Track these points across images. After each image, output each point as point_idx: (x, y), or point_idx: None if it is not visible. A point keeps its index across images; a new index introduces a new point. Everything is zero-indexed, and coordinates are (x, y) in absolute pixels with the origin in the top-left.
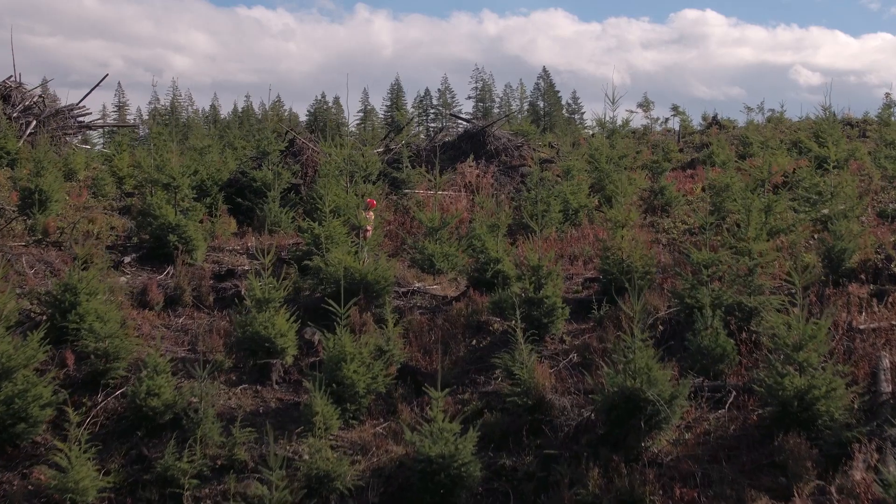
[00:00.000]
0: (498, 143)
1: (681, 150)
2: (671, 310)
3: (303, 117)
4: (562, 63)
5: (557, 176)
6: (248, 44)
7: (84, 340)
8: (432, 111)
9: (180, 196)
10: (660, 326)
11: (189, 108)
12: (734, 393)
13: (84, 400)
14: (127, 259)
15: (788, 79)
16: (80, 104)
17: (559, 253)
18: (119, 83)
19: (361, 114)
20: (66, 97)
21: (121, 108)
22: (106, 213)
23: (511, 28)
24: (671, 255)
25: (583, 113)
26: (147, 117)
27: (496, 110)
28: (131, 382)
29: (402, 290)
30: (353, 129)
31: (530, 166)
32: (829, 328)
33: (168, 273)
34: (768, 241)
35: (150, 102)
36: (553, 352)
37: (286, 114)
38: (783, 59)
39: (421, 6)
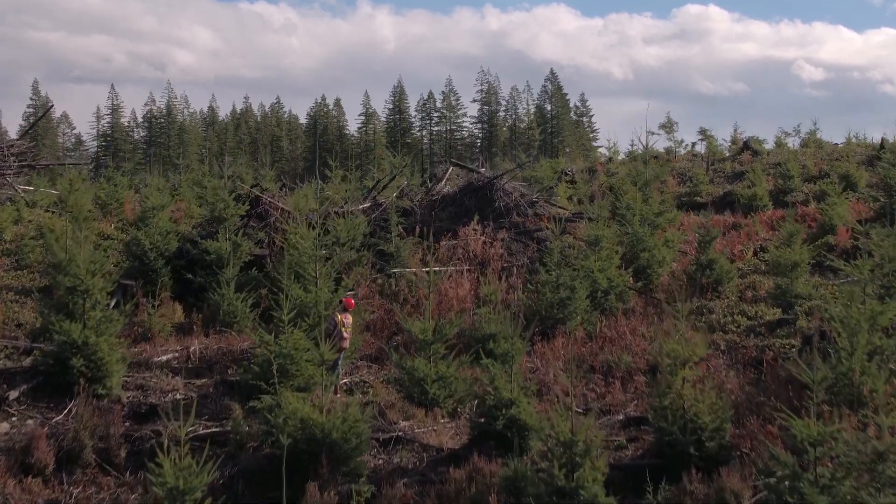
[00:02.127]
0: (508, 199)
1: (711, 181)
2: (759, 495)
3: (303, 118)
4: (564, 58)
5: (581, 241)
6: (251, 39)
7: None
8: (436, 114)
9: (90, 303)
10: None
11: (185, 110)
12: None
13: None
14: (14, 394)
15: (791, 74)
16: (21, 140)
17: (589, 364)
18: (112, 85)
19: (363, 117)
20: (66, 93)
21: (114, 110)
22: (17, 299)
23: (513, 23)
24: (734, 368)
25: (591, 116)
26: (142, 120)
27: (502, 114)
28: None
29: (384, 435)
30: (355, 132)
31: (547, 227)
32: None
33: (70, 412)
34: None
35: (145, 104)
36: None
37: (286, 116)
38: (787, 54)
39: (423, 1)
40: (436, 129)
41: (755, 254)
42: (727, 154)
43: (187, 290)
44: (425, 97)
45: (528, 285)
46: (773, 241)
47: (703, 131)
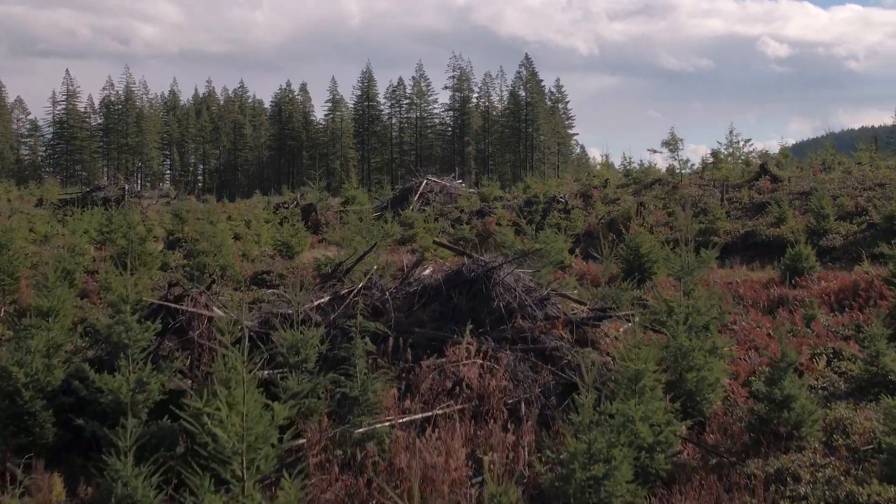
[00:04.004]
0: (510, 297)
1: (727, 214)
2: None
3: (267, 102)
4: (529, 34)
5: (607, 355)
6: (216, 13)
7: None
8: (405, 101)
9: None
10: None
11: (144, 96)
12: None
13: None
14: None
15: (756, 50)
16: None
17: None
18: (67, 70)
19: (329, 104)
20: (33, 66)
21: (70, 96)
22: None
23: None
24: None
25: (567, 102)
26: (99, 107)
27: (475, 99)
28: None
29: None
30: (322, 119)
31: (563, 336)
32: None
33: None
34: None
35: (103, 88)
36: None
37: (250, 100)
38: (753, 30)
39: None
40: (406, 115)
41: (828, 362)
42: (730, 161)
43: (77, 440)
44: (395, 83)
45: (548, 451)
46: (841, 332)
47: (714, 154)
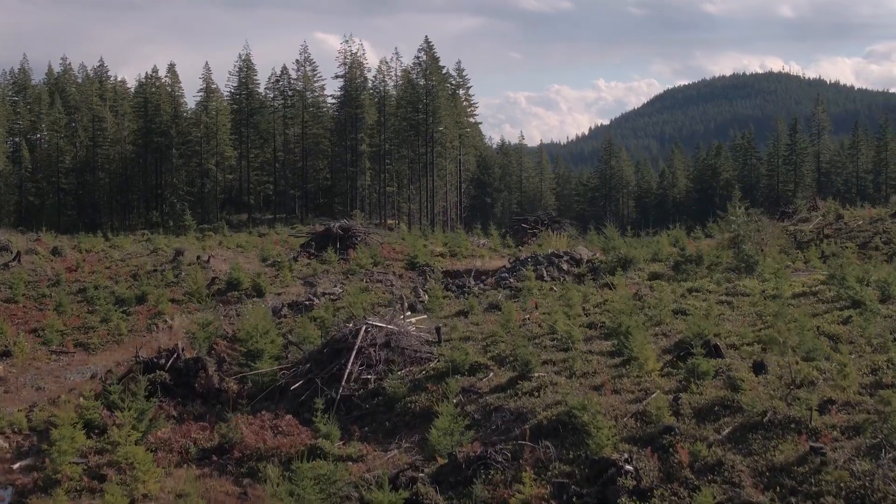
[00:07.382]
0: None
1: None
2: None
3: (131, 83)
4: None
5: None
6: None
7: None
8: (290, 92)
9: None
10: None
11: None
12: None
13: None
14: None
15: None
16: None
17: None
18: None
19: (203, 93)
20: None
21: None
22: None
23: None
24: None
25: (469, 87)
26: None
27: (369, 84)
28: None
29: None
30: (192, 114)
31: None
32: None
33: None
34: None
35: None
36: None
37: (111, 82)
38: None
39: None
40: (291, 107)
41: None
42: None
43: None
44: (278, 73)
45: None
46: None
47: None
